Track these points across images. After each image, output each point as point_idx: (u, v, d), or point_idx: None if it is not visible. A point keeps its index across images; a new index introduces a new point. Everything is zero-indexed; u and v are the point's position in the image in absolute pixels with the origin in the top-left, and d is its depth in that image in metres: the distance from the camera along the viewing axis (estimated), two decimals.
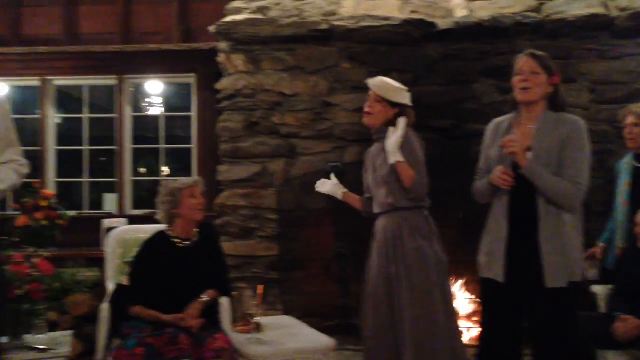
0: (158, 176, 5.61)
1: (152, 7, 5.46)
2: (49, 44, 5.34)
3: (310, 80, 4.65)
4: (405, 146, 2.88)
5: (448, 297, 3.02)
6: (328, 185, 3.22)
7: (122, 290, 3.07)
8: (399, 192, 2.92)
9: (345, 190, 3.22)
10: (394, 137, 2.86)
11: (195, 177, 3.21)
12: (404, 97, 3.02)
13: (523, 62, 2.52)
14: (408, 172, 2.86)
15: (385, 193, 2.97)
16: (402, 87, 3.04)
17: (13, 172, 2.42)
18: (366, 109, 3.05)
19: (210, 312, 3.02)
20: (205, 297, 2.99)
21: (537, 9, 4.58)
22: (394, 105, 2.99)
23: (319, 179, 3.27)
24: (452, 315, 3.04)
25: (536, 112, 2.53)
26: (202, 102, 5.26)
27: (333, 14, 4.75)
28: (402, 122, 2.92)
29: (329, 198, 3.35)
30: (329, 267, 4.59)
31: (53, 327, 3.66)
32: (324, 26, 4.59)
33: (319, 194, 3.27)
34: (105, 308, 3.12)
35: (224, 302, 3.21)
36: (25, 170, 2.51)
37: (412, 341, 2.82)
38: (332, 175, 3.27)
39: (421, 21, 4.53)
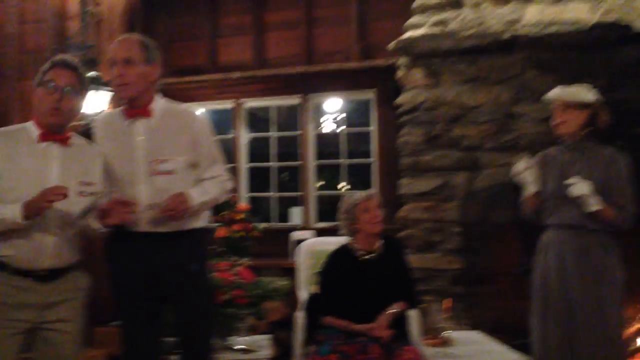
0: (339, 190, 5.81)
1: (333, 29, 5.69)
2: (241, 70, 5.79)
3: (493, 91, 4.56)
4: (610, 175, 2.75)
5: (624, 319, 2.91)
6: (526, 173, 3.01)
7: (315, 299, 3.23)
8: (592, 218, 2.81)
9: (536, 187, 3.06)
10: (583, 185, 2.74)
11: (369, 190, 3.28)
12: (591, 94, 2.89)
13: None
14: (609, 215, 2.75)
15: (574, 213, 2.84)
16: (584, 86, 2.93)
17: (217, 186, 2.62)
18: (556, 121, 2.95)
19: (400, 324, 3.07)
20: (394, 309, 3.04)
21: None
22: (584, 106, 2.87)
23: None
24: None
25: None
26: (382, 118, 5.37)
27: (516, 21, 4.61)
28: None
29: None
30: (516, 282, 4.43)
31: (251, 330, 3.94)
32: (507, 35, 4.49)
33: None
34: (300, 315, 3.30)
35: (413, 314, 3.24)
36: (229, 185, 2.70)
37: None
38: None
39: (614, 24, 4.24)
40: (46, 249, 2.28)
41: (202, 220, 2.64)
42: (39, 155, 2.33)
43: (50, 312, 2.31)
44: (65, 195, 2.19)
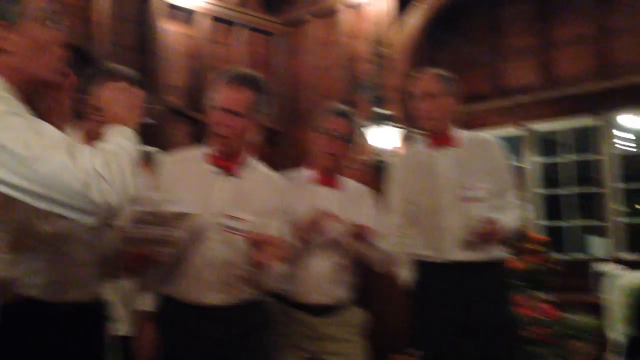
0: None
1: (633, 38, 5.14)
2: (526, 93, 5.55)
3: None
4: None
5: None
6: None
7: (636, 344, 2.87)
8: None
9: None
10: None
11: None
12: None
13: None
14: None
15: None
16: None
17: (515, 214, 2.54)
18: None
19: None
20: None
21: None
22: None
23: None
24: None
25: None
26: None
27: None
28: None
29: None
30: None
31: None
32: None
33: None
34: None
35: None
36: (523, 213, 2.61)
37: None
38: None
39: None
40: (315, 285, 2.40)
41: (503, 250, 2.58)
42: (311, 198, 2.45)
43: (325, 345, 2.40)
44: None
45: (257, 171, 2.21)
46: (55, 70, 1.41)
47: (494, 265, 2.51)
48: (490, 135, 2.84)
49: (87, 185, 1.20)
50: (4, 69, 1.33)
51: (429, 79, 2.57)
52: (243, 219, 2.07)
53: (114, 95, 1.44)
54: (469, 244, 2.42)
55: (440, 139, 2.57)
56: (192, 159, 2.17)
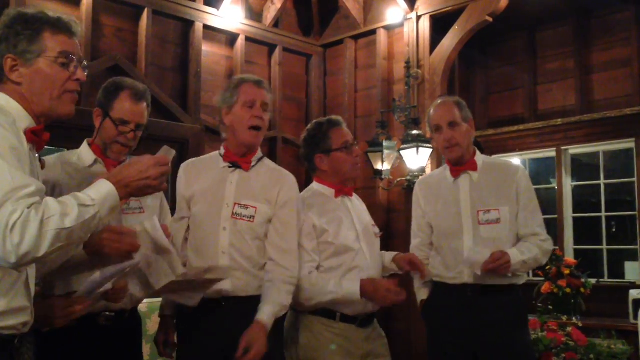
0: None
1: None
2: (563, 116, 5.52)
3: None
4: None
5: None
6: None
7: None
8: None
9: None
10: None
11: None
12: None
13: None
14: None
15: None
16: None
17: (537, 246, 2.53)
18: None
19: None
20: None
21: None
22: None
23: None
24: None
25: None
26: None
27: None
28: None
29: None
30: None
31: None
32: None
33: None
34: None
35: None
36: (549, 246, 2.60)
37: None
38: None
39: None
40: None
41: (522, 277, 2.60)
42: (340, 208, 2.56)
43: None
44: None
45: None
46: (63, 104, 1.54)
47: (509, 291, 2.52)
48: (510, 160, 2.87)
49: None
50: (19, 98, 1.50)
51: (447, 109, 2.63)
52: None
53: (138, 164, 1.54)
54: (480, 272, 2.44)
55: (462, 165, 2.63)
56: None
